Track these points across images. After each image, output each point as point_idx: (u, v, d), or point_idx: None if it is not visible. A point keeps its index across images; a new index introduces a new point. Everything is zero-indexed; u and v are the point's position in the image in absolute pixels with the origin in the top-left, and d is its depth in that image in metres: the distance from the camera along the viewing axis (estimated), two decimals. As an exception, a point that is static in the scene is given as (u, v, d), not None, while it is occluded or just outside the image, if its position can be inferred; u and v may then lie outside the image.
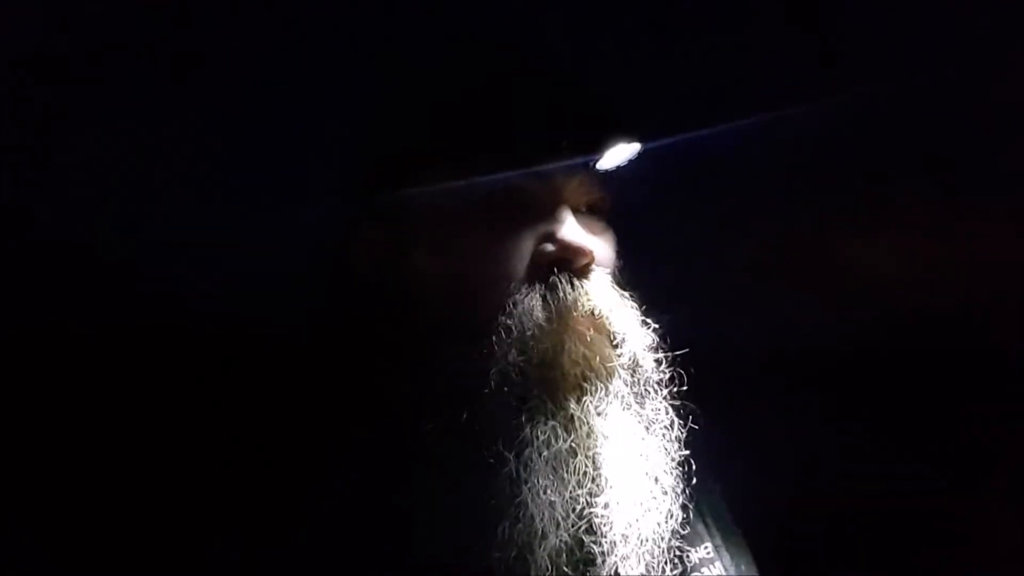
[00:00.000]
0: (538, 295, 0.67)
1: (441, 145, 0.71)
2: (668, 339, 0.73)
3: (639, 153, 0.73)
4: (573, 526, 0.63)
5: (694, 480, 0.71)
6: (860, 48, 0.85)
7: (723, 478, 0.82)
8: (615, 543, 0.63)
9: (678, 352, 0.73)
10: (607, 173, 0.72)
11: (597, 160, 0.71)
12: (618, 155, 0.72)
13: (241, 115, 0.78)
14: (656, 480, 0.67)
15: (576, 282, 0.68)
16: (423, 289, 0.71)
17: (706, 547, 0.74)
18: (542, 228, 0.70)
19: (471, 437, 0.64)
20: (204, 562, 0.63)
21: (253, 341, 0.77)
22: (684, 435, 0.71)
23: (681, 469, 0.69)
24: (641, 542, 0.64)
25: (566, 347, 0.66)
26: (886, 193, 0.93)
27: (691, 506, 0.72)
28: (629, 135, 0.72)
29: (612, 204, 0.75)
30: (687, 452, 0.70)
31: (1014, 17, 0.81)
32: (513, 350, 0.65)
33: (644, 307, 0.72)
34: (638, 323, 0.71)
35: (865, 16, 0.83)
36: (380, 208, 0.74)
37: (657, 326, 0.72)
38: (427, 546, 0.63)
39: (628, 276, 0.74)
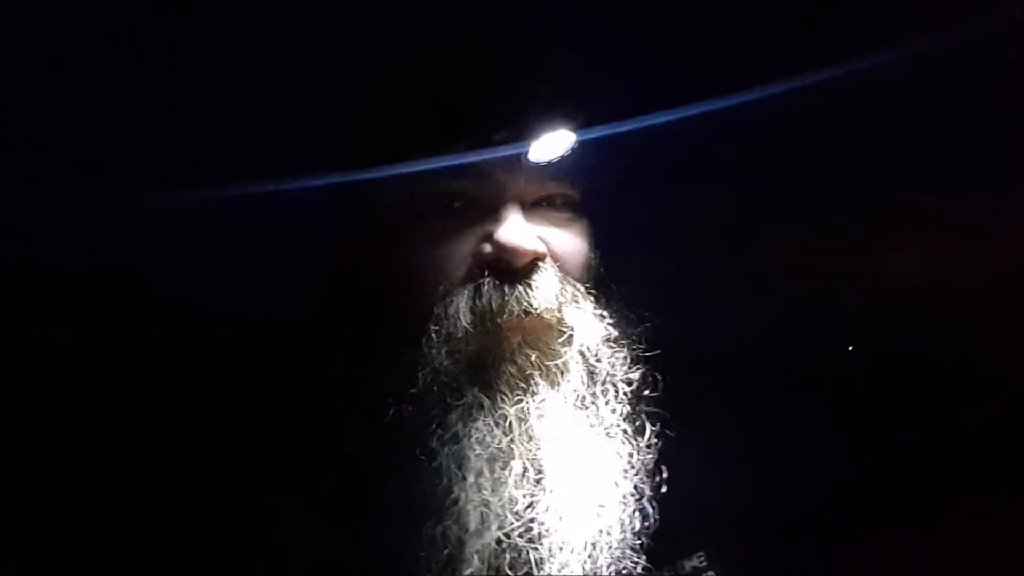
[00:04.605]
0: (465, 298, 0.66)
1: (381, 144, 0.70)
2: (645, 337, 0.72)
3: (613, 142, 0.71)
4: (509, 526, 0.62)
5: (684, 486, 0.69)
6: (852, 31, 0.83)
7: (717, 482, 0.80)
8: (552, 550, 0.62)
9: (651, 352, 0.71)
10: (570, 164, 0.70)
11: (536, 152, 0.69)
12: (560, 146, 0.70)
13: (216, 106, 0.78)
14: (608, 486, 0.65)
15: (507, 287, 0.67)
16: (375, 288, 0.70)
17: (699, 556, 0.73)
18: (485, 227, 0.68)
19: (403, 434, 0.64)
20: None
21: (223, 341, 0.76)
22: (663, 441, 0.70)
23: (654, 476, 0.68)
24: (584, 549, 0.63)
25: (496, 350, 0.66)
26: (879, 189, 0.93)
27: (677, 512, 0.70)
28: (570, 125, 0.70)
29: (585, 195, 0.74)
30: (670, 457, 0.70)
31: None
32: (442, 352, 0.65)
33: (619, 300, 0.71)
34: (594, 317, 0.70)
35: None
36: (341, 209, 0.74)
37: (631, 323, 0.71)
38: (363, 542, 0.62)
39: (606, 268, 0.72)
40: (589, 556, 0.63)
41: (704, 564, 0.72)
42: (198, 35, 0.75)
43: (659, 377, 0.70)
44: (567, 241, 0.71)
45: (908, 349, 0.96)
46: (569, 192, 0.72)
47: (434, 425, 0.63)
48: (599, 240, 0.74)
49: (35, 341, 0.75)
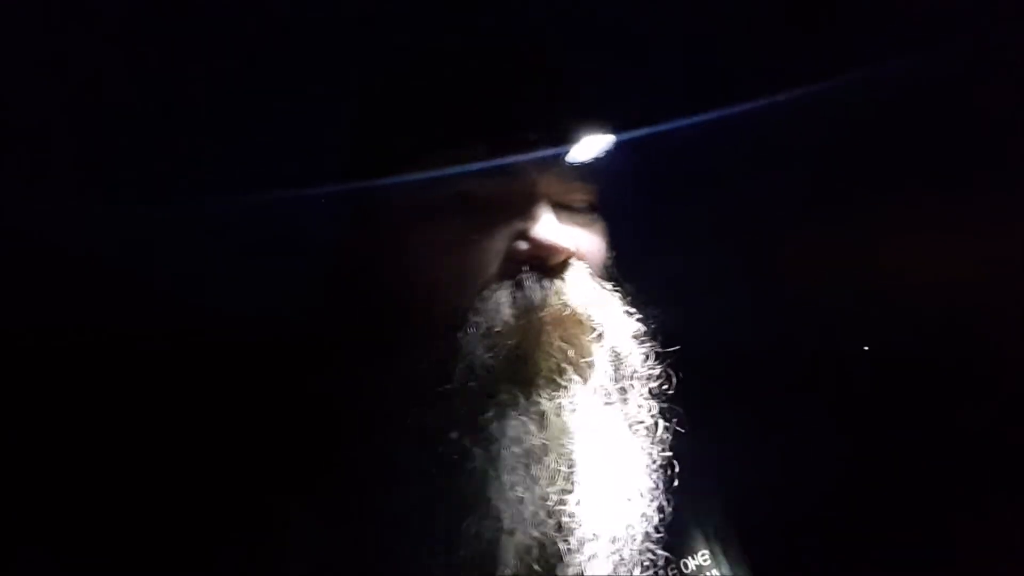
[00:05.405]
0: (506, 292, 0.67)
1: (411, 142, 0.70)
2: (659, 336, 0.72)
3: (634, 145, 0.72)
4: (542, 524, 0.62)
5: (690, 484, 0.70)
6: (855, 34, 0.84)
7: (720, 482, 0.81)
8: (583, 541, 0.62)
9: (668, 349, 0.72)
10: (593, 165, 0.71)
11: (568, 153, 0.70)
12: (592, 147, 0.71)
13: (229, 113, 0.78)
14: (632, 480, 0.66)
15: (546, 281, 0.67)
16: (398, 288, 0.70)
17: (703, 554, 0.73)
18: (517, 225, 0.69)
19: (436, 433, 0.63)
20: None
21: (232, 342, 0.75)
22: (673, 437, 0.70)
23: (666, 472, 0.68)
24: (612, 542, 0.63)
25: (536, 344, 0.66)
26: (882, 189, 0.93)
27: (682, 510, 0.71)
28: (600, 127, 0.71)
29: (603, 196, 0.75)
30: (678, 454, 0.69)
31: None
32: (480, 346, 0.65)
33: (635, 300, 0.72)
34: (621, 314, 0.70)
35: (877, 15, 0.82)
36: (362, 207, 0.73)
37: (649, 322, 0.72)
38: (393, 545, 0.62)
39: (621, 269, 0.73)
40: (616, 550, 0.63)
41: (708, 562, 0.72)
42: (205, 29, 0.75)
43: (672, 374, 0.71)
44: (589, 241, 0.72)
45: (915, 349, 0.96)
46: (591, 193, 0.73)
47: (468, 424, 0.63)
48: (612, 240, 0.75)
49: (35, 342, 0.74)
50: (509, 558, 0.61)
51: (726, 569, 0.73)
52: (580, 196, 0.73)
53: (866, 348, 0.92)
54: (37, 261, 0.76)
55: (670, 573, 0.69)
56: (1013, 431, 0.92)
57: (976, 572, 0.91)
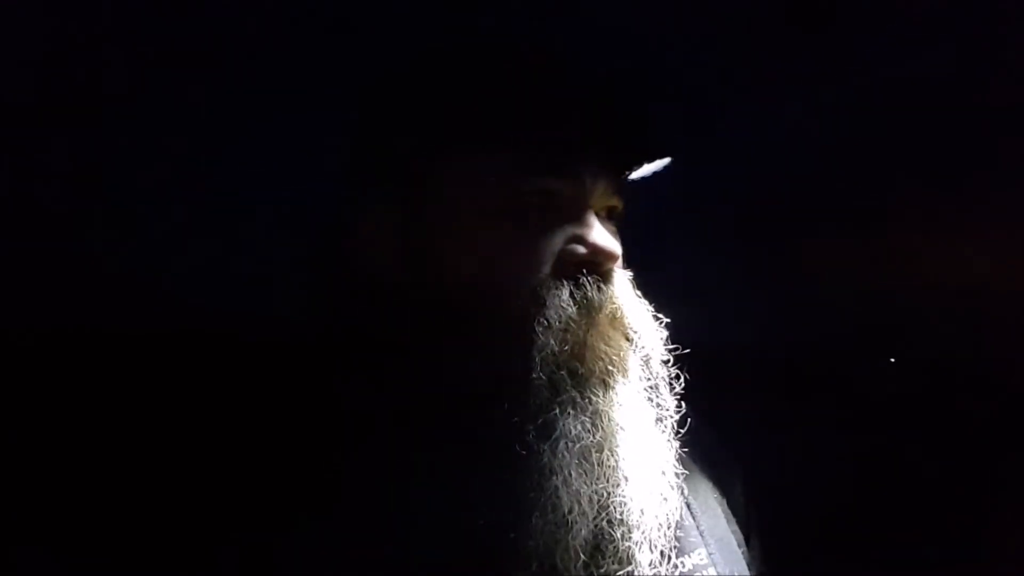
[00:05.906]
0: (566, 292, 0.69)
1: (474, 139, 0.72)
2: (669, 339, 0.74)
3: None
4: (597, 516, 0.65)
5: (689, 482, 0.71)
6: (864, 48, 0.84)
7: (718, 480, 0.81)
8: (631, 530, 0.65)
9: (681, 352, 0.74)
10: (627, 180, 0.75)
11: (631, 169, 0.74)
12: (651, 163, 0.73)
13: (250, 100, 0.78)
14: (667, 474, 0.69)
15: (602, 285, 0.70)
16: (445, 282, 0.71)
17: (699, 553, 0.73)
18: (570, 229, 0.71)
19: (504, 428, 0.65)
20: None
21: (269, 339, 0.77)
22: (681, 436, 0.72)
23: (678, 466, 0.71)
24: (653, 529, 0.66)
25: (591, 344, 0.69)
26: (890, 196, 0.93)
27: (687, 507, 0.74)
28: (663, 146, 0.75)
29: (625, 209, 0.77)
30: (684, 451, 0.72)
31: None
32: (552, 340, 0.67)
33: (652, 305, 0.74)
34: (652, 321, 0.73)
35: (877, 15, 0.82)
36: (397, 200, 0.73)
37: (664, 325, 0.74)
38: (460, 536, 0.63)
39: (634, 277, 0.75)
40: (657, 537, 0.66)
41: (704, 562, 0.73)
42: (220, 28, 0.75)
43: (687, 376, 0.73)
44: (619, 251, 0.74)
45: (915, 349, 0.96)
46: (621, 205, 0.76)
47: (535, 418, 0.66)
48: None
49: (36, 343, 0.75)
50: (568, 550, 0.63)
51: (723, 569, 0.73)
52: (612, 205, 0.75)
53: (892, 360, 0.93)
54: (37, 261, 0.76)
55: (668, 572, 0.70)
56: (1013, 431, 0.92)
57: (976, 572, 0.91)
